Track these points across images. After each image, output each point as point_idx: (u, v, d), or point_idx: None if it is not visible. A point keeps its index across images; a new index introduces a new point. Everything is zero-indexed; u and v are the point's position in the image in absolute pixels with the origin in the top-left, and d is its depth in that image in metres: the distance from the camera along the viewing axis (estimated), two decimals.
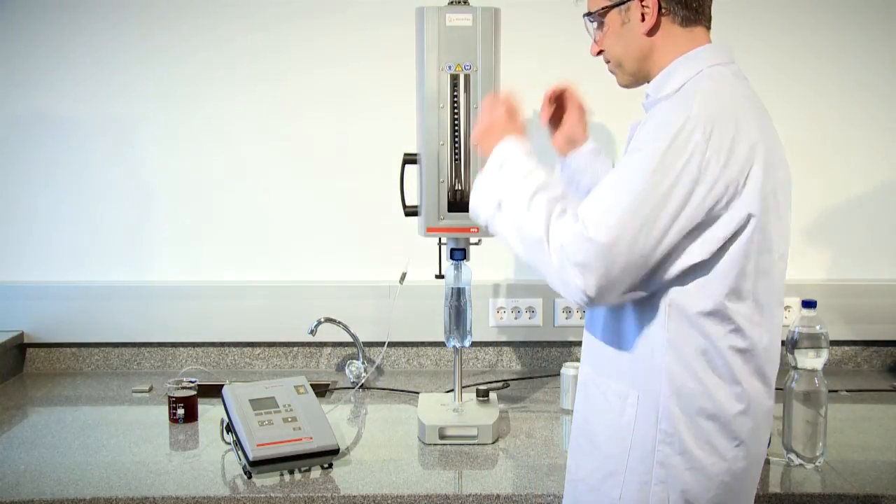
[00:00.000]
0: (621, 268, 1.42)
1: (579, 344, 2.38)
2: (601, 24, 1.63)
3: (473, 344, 2.30)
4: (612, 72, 1.67)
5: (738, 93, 1.53)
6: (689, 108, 1.45)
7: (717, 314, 1.49)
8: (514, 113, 1.68)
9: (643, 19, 1.57)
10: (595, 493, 1.58)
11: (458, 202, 2.17)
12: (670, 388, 1.51)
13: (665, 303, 1.50)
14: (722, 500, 1.53)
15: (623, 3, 1.57)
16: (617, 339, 1.58)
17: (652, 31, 1.57)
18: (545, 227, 1.47)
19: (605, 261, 1.41)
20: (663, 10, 1.56)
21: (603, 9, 1.61)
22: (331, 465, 2.01)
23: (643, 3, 1.56)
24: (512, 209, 1.52)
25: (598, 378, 1.60)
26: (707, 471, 1.52)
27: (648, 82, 1.62)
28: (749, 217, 1.46)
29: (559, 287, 1.47)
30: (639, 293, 1.48)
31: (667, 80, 1.56)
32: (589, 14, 1.65)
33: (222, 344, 2.77)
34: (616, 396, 1.56)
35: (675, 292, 1.49)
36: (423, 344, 2.76)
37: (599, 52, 1.66)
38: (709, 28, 1.60)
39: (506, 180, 1.56)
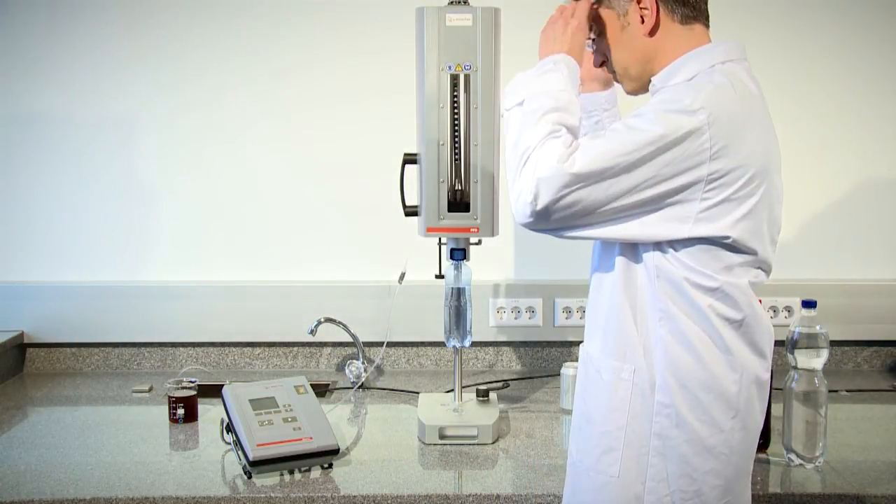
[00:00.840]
0: (572, 200, 1.47)
1: (579, 344, 2.37)
2: (601, 33, 1.64)
3: (473, 344, 2.30)
4: (618, 81, 1.68)
5: (748, 92, 1.54)
6: (699, 95, 1.47)
7: (711, 287, 1.51)
8: (581, 31, 1.64)
9: (643, 21, 1.57)
10: (593, 472, 1.59)
11: (458, 202, 2.16)
12: (665, 361, 1.53)
13: (658, 275, 1.52)
14: (720, 472, 1.54)
15: (620, 8, 1.59)
16: (610, 314, 1.60)
17: (653, 32, 1.58)
18: (539, 141, 1.50)
19: (563, 187, 1.46)
20: (662, 10, 1.57)
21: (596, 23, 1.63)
22: (331, 465, 2.01)
23: (641, 6, 1.57)
24: (526, 113, 1.54)
25: (594, 355, 1.63)
26: (705, 442, 1.53)
27: (649, 84, 1.63)
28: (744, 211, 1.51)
29: (512, 195, 1.52)
30: (577, 234, 1.53)
31: (675, 72, 1.57)
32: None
33: (222, 344, 2.77)
34: (610, 372, 1.58)
35: (667, 265, 1.52)
36: (423, 344, 2.76)
37: (602, 64, 1.68)
38: (707, 26, 1.61)
39: (539, 86, 1.57)
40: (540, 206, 1.48)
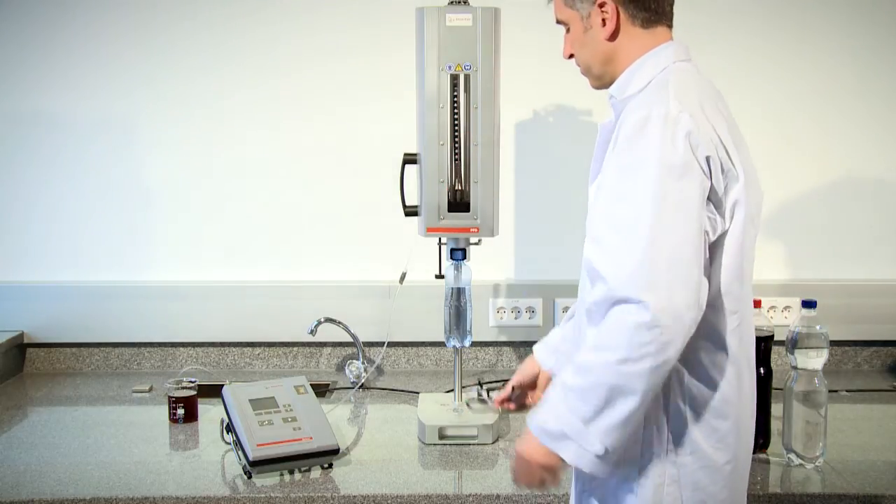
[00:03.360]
0: (695, 316, 1.43)
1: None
2: (568, 30, 1.65)
3: (473, 344, 2.30)
4: (583, 75, 1.69)
5: (704, 88, 1.56)
6: (667, 103, 1.46)
7: (721, 299, 1.52)
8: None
9: (604, 24, 1.58)
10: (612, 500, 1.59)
11: (458, 202, 2.17)
12: (679, 388, 1.52)
13: None
14: (728, 485, 1.56)
15: (583, 10, 1.59)
16: None
17: (613, 36, 1.59)
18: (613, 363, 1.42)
19: (677, 323, 1.40)
20: (622, 15, 1.58)
21: (564, 19, 1.64)
22: (331, 465, 2.01)
23: (602, 10, 1.58)
24: (584, 408, 1.45)
25: None
26: (716, 464, 1.54)
27: (611, 84, 1.64)
28: (736, 202, 1.51)
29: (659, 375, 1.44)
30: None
31: (630, 79, 1.58)
32: (558, 21, 1.67)
33: (222, 344, 2.77)
34: None
35: None
36: (423, 344, 2.76)
37: (570, 56, 1.68)
38: (670, 26, 1.62)
39: (560, 418, 1.48)
40: (673, 352, 1.41)
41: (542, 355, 1.89)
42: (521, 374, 1.91)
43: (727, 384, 1.53)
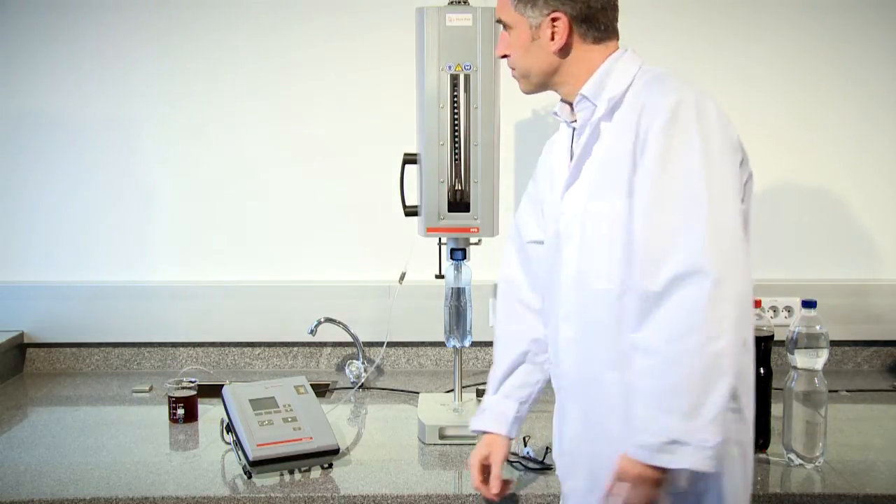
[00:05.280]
0: (751, 289, 1.45)
1: None
2: (508, 30, 1.64)
3: (473, 344, 2.30)
4: (514, 77, 1.67)
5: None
6: (688, 90, 1.49)
7: None
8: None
9: (552, 39, 1.58)
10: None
11: (458, 202, 2.17)
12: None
13: None
14: (743, 468, 1.59)
15: (532, 19, 1.59)
16: (627, 327, 1.57)
17: (563, 52, 1.59)
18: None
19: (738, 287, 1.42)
20: (575, 32, 1.59)
21: (508, 21, 1.63)
22: (331, 465, 2.01)
23: (554, 24, 1.58)
24: (686, 399, 1.42)
25: None
26: (746, 417, 1.56)
27: (544, 90, 1.65)
28: (750, 174, 1.57)
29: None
30: None
31: (602, 82, 1.58)
32: (499, 20, 1.66)
33: (222, 344, 2.77)
34: None
35: None
36: (423, 344, 2.76)
37: (504, 56, 1.66)
38: (618, 37, 1.64)
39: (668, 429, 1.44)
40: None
41: (501, 425, 1.81)
42: (494, 459, 1.80)
43: (747, 367, 1.56)
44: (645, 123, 1.50)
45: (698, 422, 1.39)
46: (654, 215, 1.47)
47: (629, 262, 1.53)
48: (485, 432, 1.84)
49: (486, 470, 1.80)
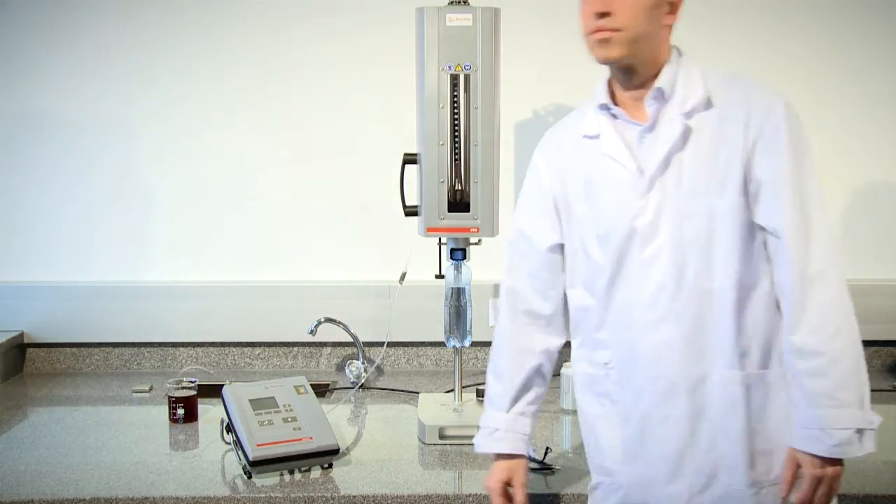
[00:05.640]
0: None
1: None
2: None
3: (473, 344, 2.30)
4: (602, 41, 1.53)
5: None
6: (775, 93, 1.56)
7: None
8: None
9: (671, 12, 1.56)
10: (775, 487, 1.61)
11: (458, 202, 2.17)
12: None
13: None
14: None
15: None
16: (757, 322, 1.59)
17: (669, 28, 1.58)
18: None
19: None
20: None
21: None
22: (331, 465, 2.01)
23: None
24: (853, 389, 1.54)
25: (755, 373, 1.60)
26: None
27: (626, 64, 1.56)
28: None
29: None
30: None
31: (674, 75, 1.58)
32: None
33: (222, 344, 2.77)
34: (780, 378, 1.59)
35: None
36: (423, 344, 2.76)
37: (606, 14, 1.51)
38: None
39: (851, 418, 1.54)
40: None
41: (520, 446, 1.75)
42: (517, 483, 1.73)
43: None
44: (757, 123, 1.53)
45: (866, 406, 1.52)
46: (795, 216, 1.53)
47: (747, 259, 1.55)
48: (501, 455, 1.75)
49: (506, 493, 1.72)
